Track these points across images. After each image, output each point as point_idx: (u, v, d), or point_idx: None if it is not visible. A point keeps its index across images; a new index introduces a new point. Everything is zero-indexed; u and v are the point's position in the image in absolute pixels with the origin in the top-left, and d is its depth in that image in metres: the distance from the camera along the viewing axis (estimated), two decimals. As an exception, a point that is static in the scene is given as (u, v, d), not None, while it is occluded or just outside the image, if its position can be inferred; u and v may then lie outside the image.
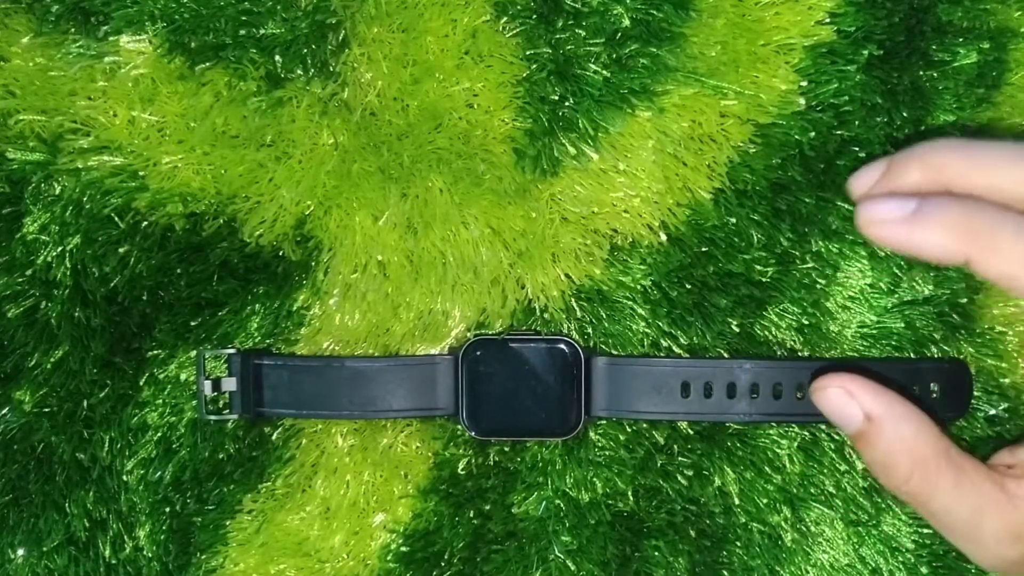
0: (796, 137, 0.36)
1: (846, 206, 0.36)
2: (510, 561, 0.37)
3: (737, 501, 0.37)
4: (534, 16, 0.36)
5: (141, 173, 0.36)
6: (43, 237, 0.36)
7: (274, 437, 0.38)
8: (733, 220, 0.36)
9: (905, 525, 0.37)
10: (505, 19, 0.36)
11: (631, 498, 0.37)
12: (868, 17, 0.36)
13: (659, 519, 0.37)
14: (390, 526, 0.37)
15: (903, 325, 0.37)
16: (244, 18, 0.35)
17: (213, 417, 0.37)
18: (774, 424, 0.37)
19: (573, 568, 0.37)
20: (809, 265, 0.37)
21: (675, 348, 0.37)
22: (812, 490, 0.37)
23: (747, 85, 0.36)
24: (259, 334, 0.37)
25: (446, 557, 0.37)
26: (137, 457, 0.37)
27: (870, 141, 0.36)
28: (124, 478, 0.37)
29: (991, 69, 0.36)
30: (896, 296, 0.37)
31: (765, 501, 0.37)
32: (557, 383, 0.36)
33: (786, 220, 0.36)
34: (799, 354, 0.37)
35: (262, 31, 0.35)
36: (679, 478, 0.37)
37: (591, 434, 0.37)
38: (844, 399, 0.31)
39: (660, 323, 0.37)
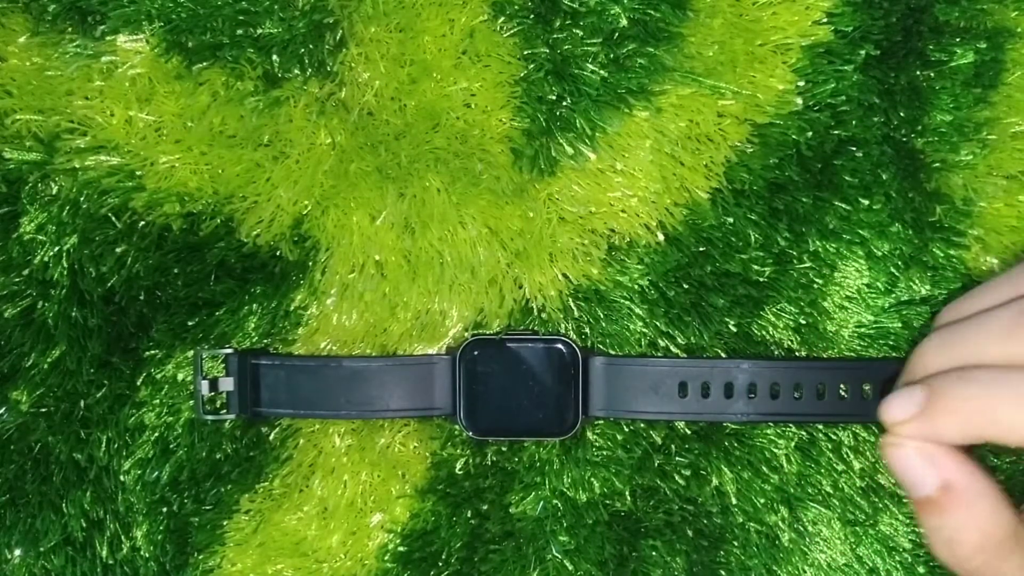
0: (793, 137, 0.36)
1: (843, 206, 0.36)
2: (508, 561, 0.37)
3: (734, 501, 0.37)
4: (531, 16, 0.36)
5: (138, 173, 0.36)
6: (40, 237, 0.36)
7: (271, 437, 0.38)
8: (730, 220, 0.36)
9: (902, 525, 0.37)
10: (503, 19, 0.36)
11: (628, 498, 0.37)
12: (865, 17, 0.36)
13: (656, 519, 0.37)
14: (388, 526, 0.37)
15: (900, 325, 0.37)
16: (241, 18, 0.35)
17: (210, 417, 0.37)
18: (771, 424, 0.37)
19: (571, 568, 0.37)
20: (806, 265, 0.37)
21: (672, 348, 0.37)
22: (809, 490, 0.37)
23: (744, 85, 0.36)
24: (256, 334, 0.37)
25: (444, 557, 0.37)
26: (134, 457, 0.37)
27: (867, 141, 0.36)
28: (121, 478, 0.37)
29: (988, 69, 0.36)
30: (893, 296, 0.37)
31: (762, 501, 0.37)
32: (555, 383, 0.36)
33: (783, 220, 0.36)
34: (796, 354, 0.37)
35: (259, 31, 0.35)
36: (676, 478, 0.37)
37: (588, 434, 0.37)
38: (922, 462, 0.29)
39: (657, 323, 0.37)
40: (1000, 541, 0.29)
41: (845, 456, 0.37)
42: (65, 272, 0.36)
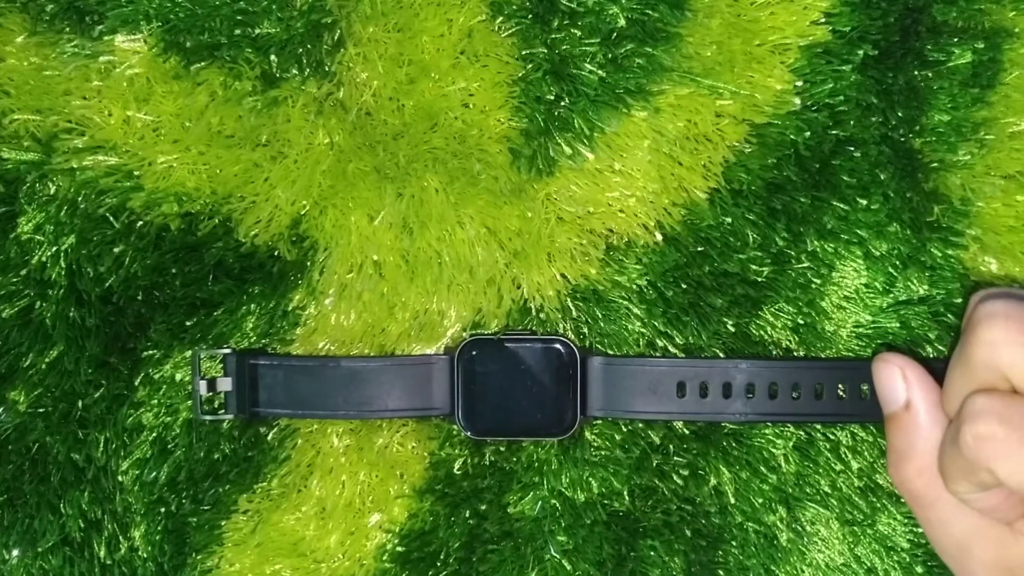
0: (791, 137, 0.36)
1: (841, 206, 0.36)
2: (506, 561, 0.37)
3: (733, 501, 0.37)
4: (530, 16, 0.36)
5: (136, 173, 0.36)
6: (38, 237, 0.36)
7: (270, 437, 0.38)
8: (728, 220, 0.36)
9: (900, 525, 0.37)
10: (501, 19, 0.36)
11: (627, 498, 0.37)
12: (863, 17, 0.36)
13: (655, 519, 0.37)
14: (386, 526, 0.37)
15: (898, 325, 0.37)
16: (239, 17, 0.35)
17: (208, 417, 0.36)
18: (769, 424, 0.37)
19: (569, 568, 0.37)
20: (804, 265, 0.37)
21: (671, 348, 0.37)
22: (807, 490, 0.37)
23: (742, 85, 0.36)
24: (254, 334, 0.37)
25: (442, 557, 0.37)
26: (132, 457, 0.37)
27: (865, 141, 0.36)
28: (119, 478, 0.37)
29: (986, 69, 0.36)
30: (891, 296, 0.37)
31: (761, 501, 0.37)
32: (553, 383, 0.36)
33: (781, 220, 0.36)
34: (794, 354, 0.37)
35: (257, 30, 0.35)
36: (675, 478, 0.37)
37: (587, 434, 0.37)
38: (895, 379, 0.31)
39: (656, 323, 0.37)
40: (938, 472, 0.30)
41: (843, 456, 0.37)
42: (63, 272, 0.36)
